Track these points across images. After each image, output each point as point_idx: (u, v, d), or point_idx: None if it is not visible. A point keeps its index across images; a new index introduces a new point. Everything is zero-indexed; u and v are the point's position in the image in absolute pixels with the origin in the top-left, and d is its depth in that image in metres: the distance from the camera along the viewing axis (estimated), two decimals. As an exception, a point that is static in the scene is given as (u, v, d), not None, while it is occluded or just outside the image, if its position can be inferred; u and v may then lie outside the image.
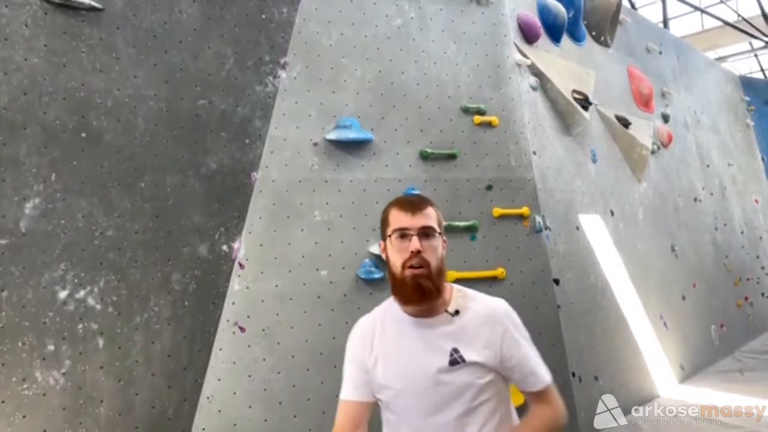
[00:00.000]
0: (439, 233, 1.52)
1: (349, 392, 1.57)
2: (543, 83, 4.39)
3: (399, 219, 1.50)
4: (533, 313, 3.67)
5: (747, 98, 9.13)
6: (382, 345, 1.55)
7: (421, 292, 1.45)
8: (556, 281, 3.84)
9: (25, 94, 2.76)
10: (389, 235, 1.52)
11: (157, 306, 2.97)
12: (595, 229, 4.59)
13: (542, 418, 1.54)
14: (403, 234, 1.48)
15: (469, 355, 1.47)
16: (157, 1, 3.19)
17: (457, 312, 1.51)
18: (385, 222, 1.56)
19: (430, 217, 1.51)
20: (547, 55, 4.54)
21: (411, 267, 1.45)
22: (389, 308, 1.60)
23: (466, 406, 1.47)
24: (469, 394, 1.46)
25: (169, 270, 3.03)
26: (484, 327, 1.51)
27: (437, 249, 1.49)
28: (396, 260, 1.49)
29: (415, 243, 1.45)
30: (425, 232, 1.48)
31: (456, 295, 1.56)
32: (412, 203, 1.53)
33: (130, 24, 3.09)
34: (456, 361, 1.46)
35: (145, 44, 3.12)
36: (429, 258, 1.46)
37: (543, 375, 1.57)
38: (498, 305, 1.58)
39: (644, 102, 5.95)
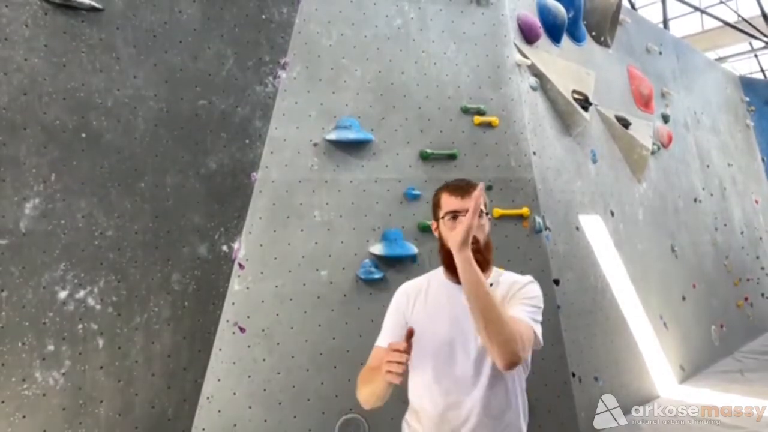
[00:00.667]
0: (486, 213, 1.70)
1: (386, 341, 1.72)
2: (543, 83, 4.39)
3: (450, 202, 1.69)
4: (533, 314, 3.67)
5: (747, 99, 9.13)
6: (427, 301, 1.74)
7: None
8: (556, 281, 3.84)
9: (25, 94, 2.76)
10: (442, 217, 1.71)
11: (157, 306, 2.97)
12: (595, 230, 4.59)
13: (515, 321, 1.57)
14: (455, 216, 1.66)
15: None
16: (157, 1, 3.19)
17: (491, 284, 1.70)
18: (437, 205, 1.75)
19: (478, 198, 1.65)
20: (547, 56, 4.55)
21: None
22: (434, 276, 1.81)
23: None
24: None
25: (169, 270, 3.03)
26: (506, 288, 1.72)
27: (485, 227, 1.70)
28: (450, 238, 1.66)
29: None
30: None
31: (495, 272, 1.78)
32: (461, 188, 1.70)
33: (130, 24, 3.09)
34: None
35: (145, 44, 3.12)
36: (478, 235, 1.65)
37: (518, 308, 1.63)
38: (523, 278, 1.76)
39: (644, 102, 5.96)
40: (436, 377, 1.67)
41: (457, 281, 1.67)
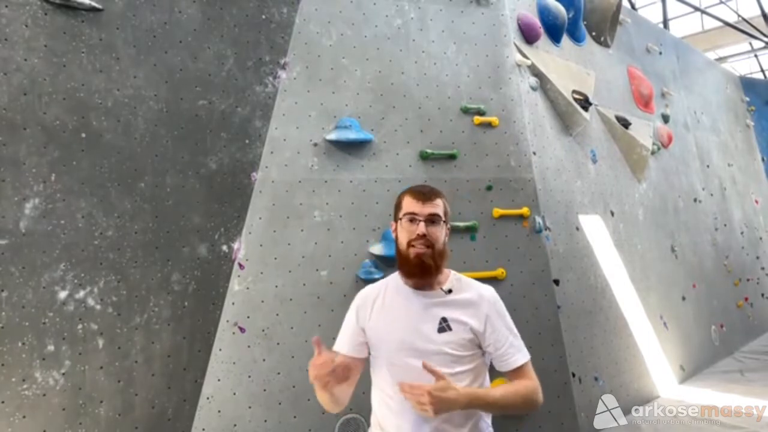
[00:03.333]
0: (444, 221, 1.75)
1: (345, 347, 1.83)
2: (543, 84, 4.39)
3: (410, 205, 1.74)
4: (533, 314, 3.67)
5: (747, 98, 9.13)
6: (383, 307, 1.78)
7: (422, 268, 1.70)
8: (556, 282, 3.84)
9: (25, 94, 2.76)
10: (400, 218, 1.76)
11: (157, 306, 2.97)
12: (595, 230, 4.59)
13: (524, 386, 1.69)
14: (413, 219, 1.72)
15: (455, 325, 1.69)
16: (157, 2, 3.19)
17: (450, 291, 1.74)
18: (398, 206, 1.79)
19: (438, 206, 1.74)
20: (547, 56, 4.55)
21: (415, 246, 1.70)
22: (392, 280, 1.85)
23: (449, 369, 1.64)
24: (452, 358, 1.66)
25: (169, 270, 3.03)
26: (471, 304, 1.73)
27: (440, 234, 1.73)
28: (403, 239, 1.74)
29: (421, 227, 1.69)
30: (431, 219, 1.71)
31: (452, 278, 1.80)
32: (423, 193, 1.75)
33: (130, 24, 3.09)
34: (444, 328, 1.69)
35: (145, 44, 3.12)
36: (432, 240, 1.70)
37: (519, 355, 1.73)
38: (485, 290, 1.78)
39: (644, 102, 5.96)
40: (393, 384, 1.69)
41: (412, 285, 1.75)
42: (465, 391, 1.54)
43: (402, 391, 1.52)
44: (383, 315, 1.78)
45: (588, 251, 4.42)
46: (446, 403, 1.49)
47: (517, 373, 1.71)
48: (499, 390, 1.64)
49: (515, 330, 1.75)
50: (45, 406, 2.61)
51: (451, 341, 1.67)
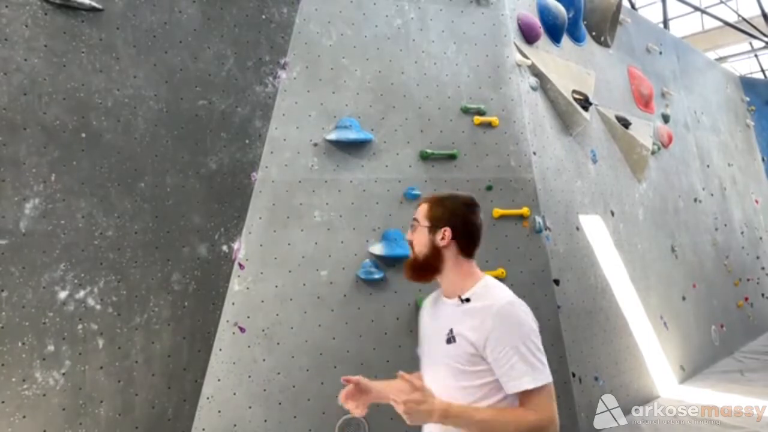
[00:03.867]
0: (425, 225, 1.71)
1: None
2: (543, 83, 4.39)
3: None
4: (533, 314, 3.66)
5: (747, 98, 9.13)
6: (426, 315, 1.84)
7: (406, 270, 1.76)
8: (556, 281, 3.84)
9: (25, 94, 2.76)
10: None
11: (157, 306, 2.97)
12: (595, 230, 4.59)
13: (519, 416, 1.52)
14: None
15: (459, 338, 1.61)
16: (157, 2, 3.19)
17: (468, 300, 1.65)
18: None
19: (419, 211, 1.76)
20: (547, 56, 4.54)
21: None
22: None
23: (455, 383, 1.60)
24: (456, 371, 1.60)
25: (169, 270, 3.03)
26: (479, 315, 1.59)
27: (419, 238, 1.73)
28: None
29: (408, 234, 1.77)
30: (412, 224, 1.76)
31: (479, 285, 1.69)
32: (419, 201, 1.80)
33: (130, 24, 3.09)
34: (450, 340, 1.63)
35: (145, 44, 3.12)
36: (413, 245, 1.75)
37: (522, 379, 1.53)
38: (498, 301, 1.61)
39: (644, 102, 5.96)
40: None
41: (442, 292, 1.78)
42: (441, 407, 1.47)
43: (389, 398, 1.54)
44: (423, 321, 1.84)
45: (588, 251, 4.42)
46: (419, 415, 1.46)
47: (521, 399, 1.54)
48: (488, 413, 1.52)
49: (527, 350, 1.54)
50: (45, 406, 2.61)
51: (454, 354, 1.60)
